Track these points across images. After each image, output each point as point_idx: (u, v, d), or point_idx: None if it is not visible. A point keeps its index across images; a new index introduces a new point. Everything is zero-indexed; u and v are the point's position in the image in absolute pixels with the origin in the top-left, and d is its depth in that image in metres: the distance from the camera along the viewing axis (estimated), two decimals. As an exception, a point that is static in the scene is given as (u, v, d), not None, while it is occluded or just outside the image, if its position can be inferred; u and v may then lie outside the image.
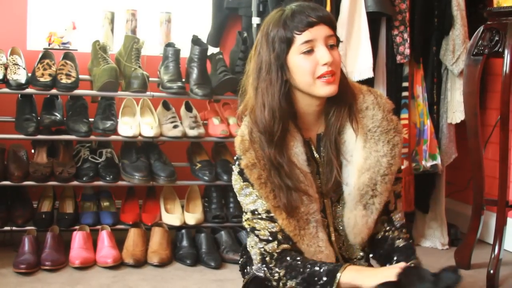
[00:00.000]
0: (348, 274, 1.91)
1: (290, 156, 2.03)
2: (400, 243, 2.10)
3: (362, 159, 2.05)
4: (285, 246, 2.02)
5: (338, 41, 2.04)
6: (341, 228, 2.12)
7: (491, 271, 3.04)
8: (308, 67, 1.97)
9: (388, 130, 2.07)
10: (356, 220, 2.07)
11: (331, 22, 2.01)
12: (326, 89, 1.98)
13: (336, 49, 2.02)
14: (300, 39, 1.97)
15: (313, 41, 1.97)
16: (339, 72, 2.03)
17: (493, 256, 3.07)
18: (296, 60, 1.98)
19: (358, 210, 2.06)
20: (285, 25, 1.97)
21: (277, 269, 2.00)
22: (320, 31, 1.97)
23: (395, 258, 2.07)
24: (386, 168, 2.05)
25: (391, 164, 2.06)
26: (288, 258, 2.00)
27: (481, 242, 3.61)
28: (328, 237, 2.09)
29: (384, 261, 2.12)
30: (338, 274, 1.91)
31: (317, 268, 1.95)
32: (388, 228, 2.12)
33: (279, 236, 2.02)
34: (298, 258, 1.99)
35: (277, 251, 2.02)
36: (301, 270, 1.96)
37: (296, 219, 2.01)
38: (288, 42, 1.98)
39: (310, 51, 1.97)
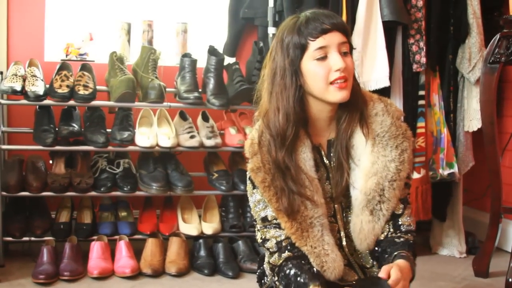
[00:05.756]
0: None
1: (298, 161, 2.06)
2: (399, 239, 2.07)
3: (370, 163, 2.06)
4: (286, 255, 2.03)
5: (351, 48, 2.07)
6: (352, 234, 2.13)
7: (510, 280, 3.02)
8: (321, 73, 2.00)
9: (396, 135, 2.09)
10: (362, 225, 2.07)
11: (344, 29, 2.04)
12: (338, 95, 2.01)
13: (350, 56, 2.05)
14: (313, 45, 2.00)
15: (327, 48, 2.00)
16: (352, 79, 2.05)
17: (511, 264, 3.06)
18: (310, 66, 2.01)
19: (364, 215, 2.07)
20: (299, 32, 2.01)
21: (281, 287, 2.02)
22: (333, 38, 2.00)
23: (387, 250, 2.05)
24: (394, 173, 2.06)
25: (399, 169, 2.06)
26: (286, 271, 2.00)
27: (499, 250, 3.59)
28: (339, 242, 2.11)
29: (379, 256, 2.09)
30: None
31: None
32: (392, 230, 2.09)
33: (284, 244, 2.04)
34: (293, 272, 1.98)
35: (279, 264, 2.04)
36: None
37: (298, 222, 2.02)
38: (302, 48, 2.01)
39: (323, 58, 2.00)
